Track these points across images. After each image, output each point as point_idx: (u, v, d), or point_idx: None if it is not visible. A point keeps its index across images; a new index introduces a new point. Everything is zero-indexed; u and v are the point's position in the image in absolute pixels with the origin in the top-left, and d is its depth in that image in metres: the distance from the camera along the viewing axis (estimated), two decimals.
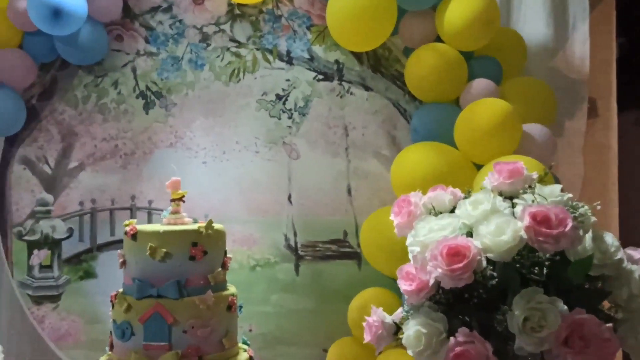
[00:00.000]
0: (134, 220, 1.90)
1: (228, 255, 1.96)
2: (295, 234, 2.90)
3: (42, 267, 2.88)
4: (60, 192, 2.91)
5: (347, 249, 2.91)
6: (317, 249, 2.91)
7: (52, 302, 2.87)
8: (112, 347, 1.90)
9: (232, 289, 1.95)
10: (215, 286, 1.86)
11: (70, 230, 2.88)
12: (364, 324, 1.78)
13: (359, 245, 2.86)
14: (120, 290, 1.89)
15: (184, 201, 1.95)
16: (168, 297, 1.77)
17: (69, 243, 2.88)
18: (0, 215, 2.88)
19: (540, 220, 1.53)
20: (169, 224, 1.90)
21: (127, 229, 1.86)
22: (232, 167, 2.91)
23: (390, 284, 2.76)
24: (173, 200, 1.94)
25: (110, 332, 1.90)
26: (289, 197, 2.91)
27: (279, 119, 2.90)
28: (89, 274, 2.87)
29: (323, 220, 2.90)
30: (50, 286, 2.87)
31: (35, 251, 2.88)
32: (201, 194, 2.86)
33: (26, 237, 2.88)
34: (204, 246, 1.83)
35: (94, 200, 2.90)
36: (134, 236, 1.82)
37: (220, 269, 1.90)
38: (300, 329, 2.86)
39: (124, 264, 1.87)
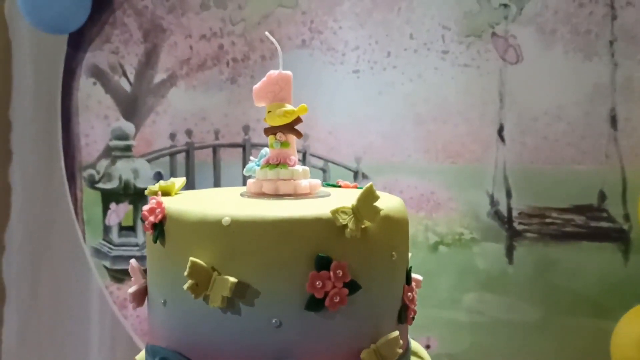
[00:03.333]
0: (171, 184, 0.75)
1: (414, 275, 0.79)
2: (508, 194, 1.70)
3: (123, 229, 1.98)
4: (143, 119, 1.94)
5: (605, 224, 1.67)
6: (548, 220, 1.69)
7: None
8: None
9: None
10: None
11: (158, 176, 1.91)
12: None
13: (628, 218, 1.59)
14: (140, 357, 0.81)
15: (299, 134, 0.77)
16: None
17: None
18: (66, 151, 1.99)
19: None
20: (259, 193, 0.76)
21: (145, 209, 0.71)
22: (403, 79, 1.76)
23: None
24: (272, 131, 0.76)
25: None
26: (500, 131, 1.69)
27: None
28: None
29: (561, 172, 1.66)
30: (132, 257, 1.95)
31: (113, 205, 1.97)
32: (351, 123, 1.72)
33: (100, 185, 1.97)
34: (349, 265, 0.64)
35: (190, 132, 1.90)
36: (158, 230, 0.69)
37: (394, 329, 0.69)
38: (514, 352, 1.72)
39: (137, 298, 0.78)
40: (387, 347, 0.65)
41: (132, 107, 1.94)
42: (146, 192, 0.74)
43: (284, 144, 0.75)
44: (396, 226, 0.70)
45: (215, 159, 1.90)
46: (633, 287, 1.62)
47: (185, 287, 0.62)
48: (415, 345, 0.80)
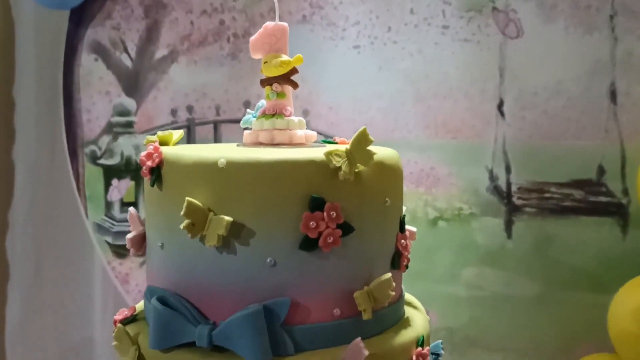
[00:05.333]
0: (168, 134, 0.75)
1: (408, 227, 0.80)
2: (508, 169, 1.70)
3: (124, 205, 1.99)
4: (144, 96, 1.95)
5: (604, 198, 1.67)
6: (547, 195, 1.69)
7: (137, 255, 1.96)
8: None
9: (418, 321, 0.79)
10: (374, 323, 0.69)
11: None
12: None
13: (626, 193, 1.59)
14: (140, 305, 0.83)
15: (295, 85, 0.78)
16: (245, 355, 0.65)
17: None
18: (68, 128, 2.00)
19: None
20: (255, 142, 0.77)
21: (142, 155, 0.72)
22: (403, 54, 1.76)
23: None
24: (269, 82, 0.77)
25: None
26: (500, 106, 1.69)
27: None
28: None
29: (559, 147, 1.66)
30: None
31: (115, 181, 1.98)
32: (351, 99, 1.74)
33: (102, 161, 1.98)
34: (342, 208, 0.65)
35: (191, 108, 1.91)
36: (156, 174, 0.69)
37: (386, 272, 0.70)
38: (512, 326, 1.72)
39: (135, 244, 0.80)
40: (380, 289, 0.66)
41: (133, 83, 1.95)
42: (144, 141, 0.75)
43: (280, 95, 0.76)
44: (390, 173, 0.71)
45: (216, 135, 1.91)
46: (631, 261, 1.62)
47: (181, 226, 0.64)
48: (409, 296, 0.81)
